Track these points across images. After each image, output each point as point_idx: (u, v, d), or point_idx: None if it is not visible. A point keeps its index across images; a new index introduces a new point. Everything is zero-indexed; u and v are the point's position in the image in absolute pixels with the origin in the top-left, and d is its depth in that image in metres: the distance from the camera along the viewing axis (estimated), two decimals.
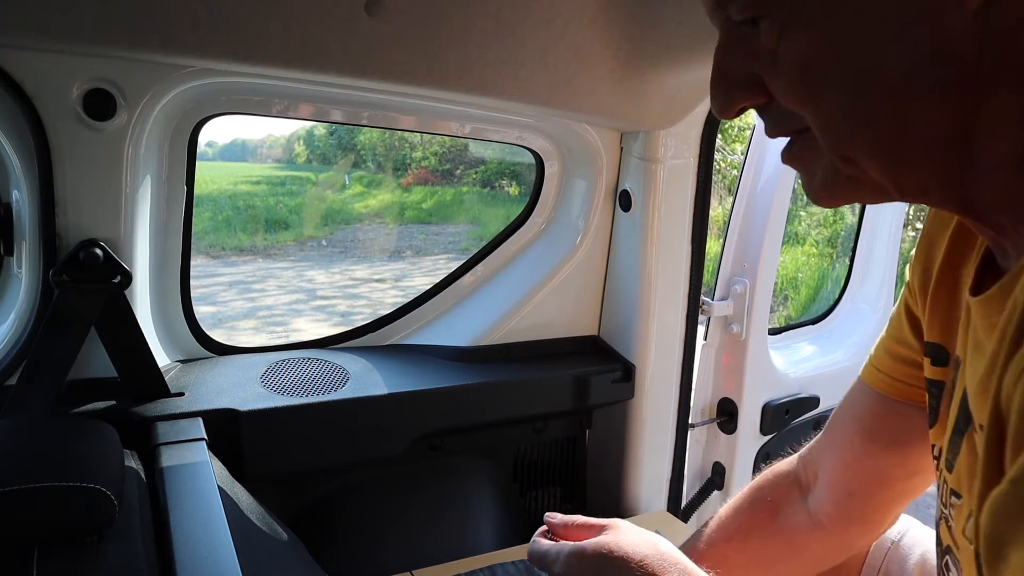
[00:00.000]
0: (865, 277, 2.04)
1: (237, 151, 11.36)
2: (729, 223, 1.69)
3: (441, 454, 1.41)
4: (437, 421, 1.31)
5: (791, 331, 2.01)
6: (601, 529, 0.72)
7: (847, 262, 2.08)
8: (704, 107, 1.36)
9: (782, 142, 0.54)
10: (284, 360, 1.30)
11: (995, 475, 0.43)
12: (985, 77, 0.43)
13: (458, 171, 9.22)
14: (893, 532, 0.92)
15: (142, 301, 1.15)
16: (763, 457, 1.74)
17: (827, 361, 1.92)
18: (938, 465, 0.64)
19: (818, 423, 1.81)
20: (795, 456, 0.92)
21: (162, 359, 1.19)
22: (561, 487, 1.60)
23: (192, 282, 1.25)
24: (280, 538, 1.07)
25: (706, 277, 1.55)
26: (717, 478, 1.75)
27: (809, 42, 0.46)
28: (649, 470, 1.55)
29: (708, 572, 0.66)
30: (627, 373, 1.49)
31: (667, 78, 1.18)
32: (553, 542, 0.74)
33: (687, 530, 1.47)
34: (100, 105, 0.98)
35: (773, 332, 1.90)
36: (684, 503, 1.69)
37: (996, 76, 0.43)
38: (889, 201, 0.51)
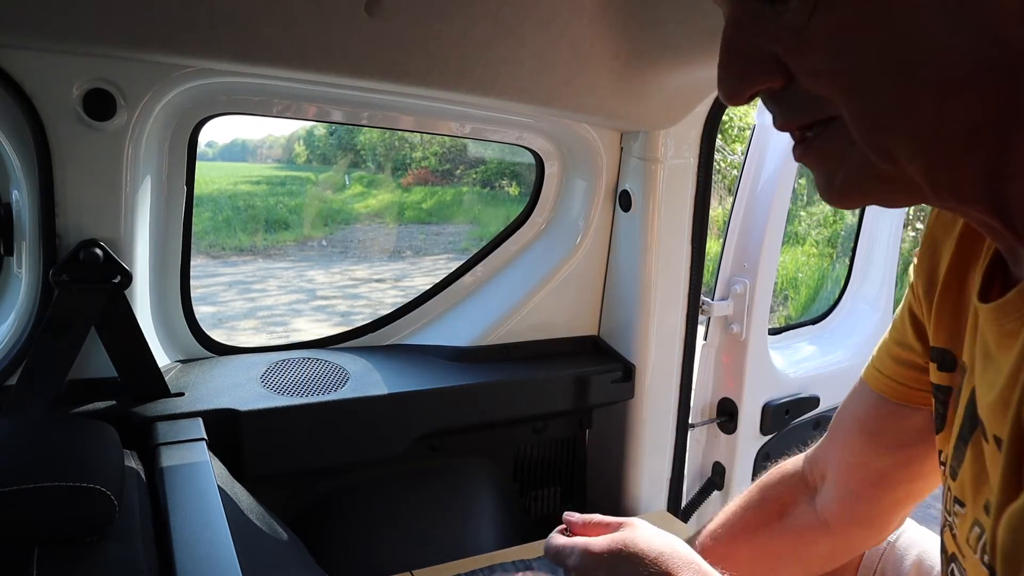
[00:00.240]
0: (865, 277, 2.04)
1: (237, 151, 11.38)
2: (729, 223, 1.69)
3: (441, 454, 1.41)
4: (437, 421, 1.31)
5: (791, 331, 2.01)
6: (618, 527, 0.72)
7: (847, 262, 2.07)
8: (704, 107, 1.36)
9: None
10: (284, 360, 1.30)
11: (1013, 490, 0.43)
12: None
13: (458, 171, 9.22)
14: None
15: (142, 301, 1.15)
16: (763, 457, 1.74)
17: (827, 361, 1.92)
18: (944, 472, 0.63)
19: (818, 423, 1.81)
20: (801, 456, 0.92)
21: (162, 359, 1.19)
22: (561, 487, 1.60)
23: (192, 282, 1.25)
24: (280, 538, 1.07)
25: (706, 277, 1.55)
26: (717, 478, 1.75)
27: (850, 15, 0.40)
28: (649, 470, 1.55)
29: (723, 573, 0.66)
30: (627, 373, 1.49)
31: (667, 78, 1.18)
32: (569, 538, 0.74)
33: (687, 530, 1.47)
34: (100, 105, 0.98)
35: (773, 332, 1.90)
36: (684, 503, 1.69)
37: None
38: (916, 204, 0.46)
